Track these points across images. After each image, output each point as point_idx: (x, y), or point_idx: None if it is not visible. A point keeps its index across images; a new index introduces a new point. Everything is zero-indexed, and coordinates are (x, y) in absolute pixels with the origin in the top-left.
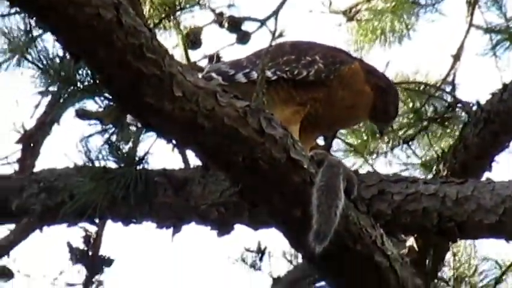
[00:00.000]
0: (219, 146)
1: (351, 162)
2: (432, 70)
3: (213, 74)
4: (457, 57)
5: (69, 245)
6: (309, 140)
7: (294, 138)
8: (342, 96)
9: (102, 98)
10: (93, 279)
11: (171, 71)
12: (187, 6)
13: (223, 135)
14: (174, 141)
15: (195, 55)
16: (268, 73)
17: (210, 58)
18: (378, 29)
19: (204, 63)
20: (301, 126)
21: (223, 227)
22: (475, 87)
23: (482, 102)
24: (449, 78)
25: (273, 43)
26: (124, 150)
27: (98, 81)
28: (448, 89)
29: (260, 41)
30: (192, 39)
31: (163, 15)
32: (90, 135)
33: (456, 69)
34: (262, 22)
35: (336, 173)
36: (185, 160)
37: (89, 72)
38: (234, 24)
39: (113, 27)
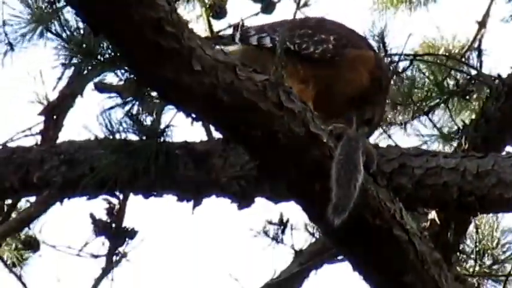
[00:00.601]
0: (238, 120)
1: None
2: (458, 36)
3: (237, 33)
4: (482, 24)
5: (92, 216)
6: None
7: (313, 112)
8: (348, 77)
9: (123, 71)
10: (117, 251)
11: (190, 44)
12: None
13: (243, 109)
14: (193, 115)
15: (219, 25)
16: (267, 40)
17: (235, 28)
18: None
19: (228, 32)
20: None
21: (244, 200)
22: (501, 54)
23: (505, 75)
24: (475, 45)
25: (301, 15)
26: (145, 123)
27: (118, 55)
28: (474, 55)
29: (285, 10)
30: (217, 9)
31: None
32: (111, 108)
33: (482, 36)
34: None
35: (355, 147)
36: (208, 132)
37: (109, 45)
38: None
39: (131, 0)
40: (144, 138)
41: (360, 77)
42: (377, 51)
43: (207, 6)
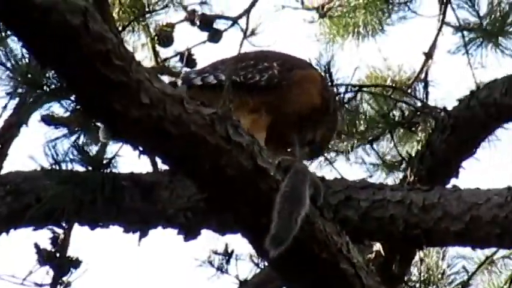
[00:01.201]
0: (185, 153)
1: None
2: (404, 67)
3: (179, 81)
4: (429, 55)
5: (36, 246)
6: (276, 147)
7: (261, 145)
8: (297, 97)
9: (69, 102)
10: (61, 280)
11: (138, 77)
12: (157, 8)
13: (190, 142)
14: (140, 148)
15: (166, 53)
16: (211, 78)
17: (181, 56)
18: (351, 25)
19: (175, 60)
20: (267, 135)
21: (191, 232)
22: (447, 85)
23: (451, 107)
24: (422, 76)
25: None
26: (91, 154)
27: (64, 86)
28: (421, 86)
29: (231, 39)
30: (164, 37)
31: (132, 18)
32: (57, 138)
33: (428, 67)
34: (234, 20)
35: (302, 180)
36: (153, 163)
37: (55, 75)
38: (206, 22)
39: (80, 33)
40: (90, 169)
41: (310, 96)
42: (322, 74)
43: (153, 35)
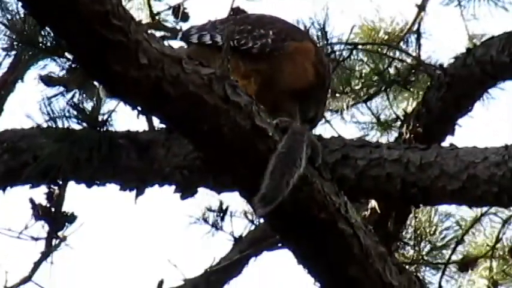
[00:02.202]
0: (184, 113)
1: None
2: (397, 19)
3: (180, 33)
4: (421, 7)
5: (31, 201)
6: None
7: (259, 105)
8: (288, 70)
9: (65, 60)
10: (56, 235)
11: (137, 37)
12: None
13: (188, 102)
14: (139, 108)
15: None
16: (207, 37)
17: (174, 9)
18: None
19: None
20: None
21: (187, 190)
22: (441, 38)
23: (444, 59)
24: (414, 28)
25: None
26: (87, 111)
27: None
28: (413, 38)
29: None
30: None
31: None
32: (53, 96)
33: (421, 19)
34: None
35: (300, 141)
36: (150, 122)
37: (51, 34)
38: None
39: None
40: (86, 127)
41: (303, 70)
42: (318, 44)
43: None
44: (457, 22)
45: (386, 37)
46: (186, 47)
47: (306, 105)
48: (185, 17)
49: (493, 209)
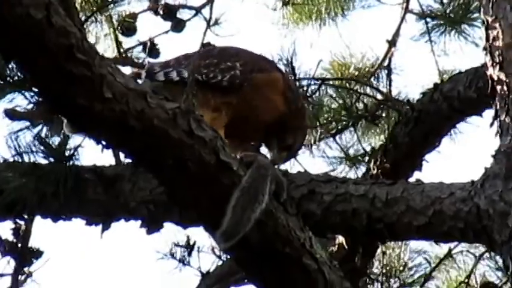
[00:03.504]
0: (148, 148)
1: None
2: (368, 55)
3: (143, 72)
4: (392, 43)
5: None
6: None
7: (224, 140)
8: (257, 103)
9: (32, 94)
10: (22, 271)
11: (101, 72)
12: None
13: (153, 136)
14: (103, 142)
15: (129, 42)
16: (174, 74)
17: (144, 45)
18: (314, 12)
19: (137, 50)
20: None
21: (153, 225)
22: (411, 73)
23: (414, 94)
24: (385, 64)
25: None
26: (54, 146)
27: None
28: (384, 74)
29: (195, 29)
30: (126, 27)
31: (95, 9)
32: (19, 130)
33: (392, 55)
34: (197, 10)
35: (264, 175)
36: (116, 156)
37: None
38: (169, 12)
39: (43, 27)
40: (52, 161)
41: (272, 100)
42: (285, 73)
43: (115, 26)
44: (427, 58)
45: (356, 73)
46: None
47: (282, 133)
48: (156, 53)
49: (465, 246)
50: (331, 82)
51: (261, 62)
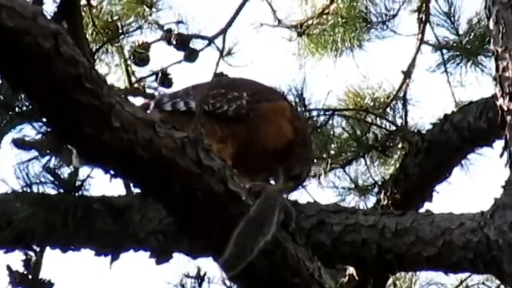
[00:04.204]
0: (156, 177)
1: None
2: (383, 86)
3: (151, 102)
4: (407, 74)
5: (8, 268)
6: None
7: (232, 170)
8: (266, 131)
9: (40, 124)
10: None
11: (110, 101)
12: (131, 29)
13: (161, 166)
14: (111, 172)
15: (142, 72)
16: (181, 104)
17: (157, 75)
18: (329, 43)
19: (150, 80)
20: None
21: (162, 255)
22: (427, 104)
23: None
24: (400, 94)
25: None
26: (63, 176)
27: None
28: (400, 105)
29: (208, 59)
30: (139, 57)
31: (105, 40)
32: (28, 160)
33: (407, 86)
34: (211, 40)
35: (272, 205)
36: (126, 186)
37: (26, 98)
38: (182, 42)
39: (52, 56)
40: (62, 191)
41: (279, 129)
42: (292, 103)
43: (126, 57)
44: (443, 89)
45: (372, 103)
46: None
47: (289, 163)
48: (168, 83)
49: (482, 277)
50: (342, 112)
51: (268, 93)
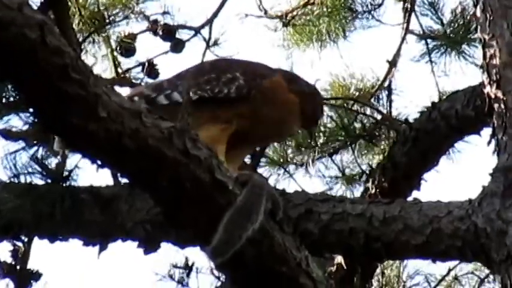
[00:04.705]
0: (143, 167)
1: (269, 173)
2: (368, 76)
3: (136, 98)
4: (392, 63)
5: None
6: (237, 157)
7: (219, 159)
8: (267, 110)
9: (28, 114)
10: None
11: (96, 91)
12: (118, 19)
13: (148, 156)
14: (98, 162)
15: (128, 63)
16: (176, 95)
17: (143, 66)
18: (314, 33)
19: (136, 71)
20: (229, 144)
21: (150, 245)
22: (411, 93)
23: (414, 115)
24: (385, 84)
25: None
26: (50, 166)
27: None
28: (384, 95)
29: (194, 49)
30: (125, 47)
31: (92, 29)
32: (15, 151)
33: (392, 75)
34: (197, 30)
35: (258, 194)
36: (114, 176)
37: (13, 88)
38: (168, 32)
39: (37, 47)
40: (49, 182)
41: (286, 97)
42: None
43: (113, 47)
44: (427, 78)
45: (357, 93)
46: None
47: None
48: (155, 74)
49: (471, 267)
50: (329, 102)
51: (256, 67)
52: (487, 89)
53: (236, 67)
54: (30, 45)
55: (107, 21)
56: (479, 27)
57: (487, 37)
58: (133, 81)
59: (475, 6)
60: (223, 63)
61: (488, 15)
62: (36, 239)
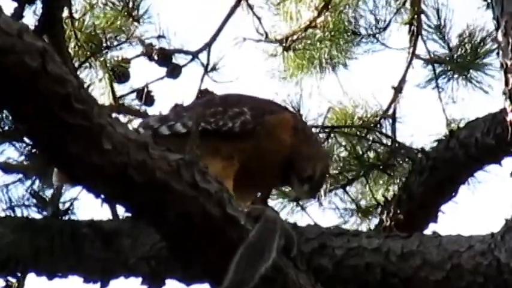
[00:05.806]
0: (150, 201)
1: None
2: (372, 102)
3: (141, 129)
4: (398, 89)
5: None
6: (244, 196)
7: (230, 192)
8: (269, 146)
9: (24, 145)
10: None
11: (100, 122)
12: (115, 43)
13: (155, 189)
14: (102, 196)
15: (122, 89)
16: (179, 126)
17: (138, 93)
18: (316, 58)
19: (131, 97)
20: (235, 183)
21: (155, 282)
22: (417, 120)
23: (421, 143)
24: (390, 112)
25: (208, 80)
26: (47, 199)
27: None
28: (387, 123)
29: (192, 75)
30: (119, 73)
31: (89, 54)
32: (11, 183)
33: (398, 102)
34: (194, 55)
35: (272, 230)
36: (113, 211)
37: (9, 118)
38: (164, 57)
39: (38, 75)
40: (47, 215)
41: (281, 141)
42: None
43: (110, 70)
44: (434, 105)
45: (361, 122)
46: None
47: (298, 166)
48: (151, 101)
49: None
50: (340, 130)
51: (268, 105)
52: (509, 117)
53: (245, 102)
54: (31, 73)
55: (104, 45)
56: (500, 52)
57: (509, 62)
58: (130, 108)
59: (497, 30)
60: (234, 98)
61: (510, 39)
62: (32, 274)
